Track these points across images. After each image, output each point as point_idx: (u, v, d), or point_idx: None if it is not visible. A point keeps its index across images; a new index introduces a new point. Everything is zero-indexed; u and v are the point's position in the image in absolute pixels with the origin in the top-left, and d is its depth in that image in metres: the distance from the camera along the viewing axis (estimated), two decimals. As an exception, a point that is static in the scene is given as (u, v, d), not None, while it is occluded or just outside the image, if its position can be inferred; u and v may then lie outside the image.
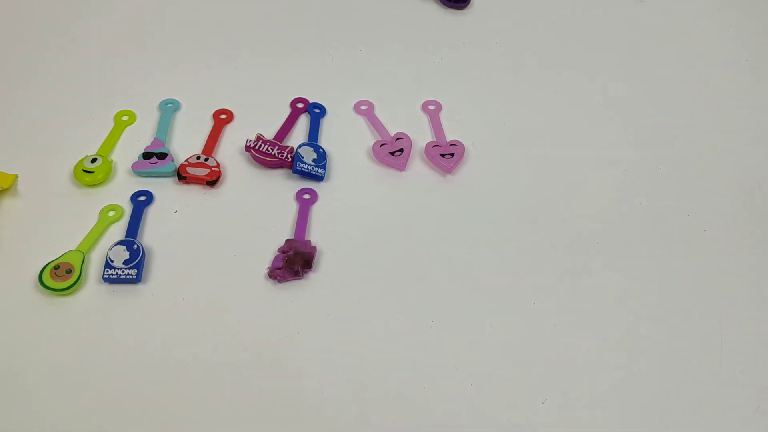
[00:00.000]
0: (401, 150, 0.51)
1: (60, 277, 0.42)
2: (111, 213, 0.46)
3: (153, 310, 0.42)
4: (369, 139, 0.53)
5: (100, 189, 0.48)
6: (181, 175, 0.48)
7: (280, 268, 0.43)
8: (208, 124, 0.53)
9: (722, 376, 0.41)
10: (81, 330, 0.41)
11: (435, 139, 0.53)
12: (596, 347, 0.42)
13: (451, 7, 0.65)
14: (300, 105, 0.55)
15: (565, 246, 0.47)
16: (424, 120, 0.55)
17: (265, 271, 0.44)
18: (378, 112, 0.55)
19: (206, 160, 0.50)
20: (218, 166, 0.49)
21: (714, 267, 0.47)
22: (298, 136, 0.53)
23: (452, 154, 0.51)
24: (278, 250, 0.45)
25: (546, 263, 0.46)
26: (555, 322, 0.43)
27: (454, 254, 0.46)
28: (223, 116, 0.54)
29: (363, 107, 0.55)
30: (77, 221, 0.46)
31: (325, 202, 0.49)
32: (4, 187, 0.46)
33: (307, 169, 0.49)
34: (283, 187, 0.49)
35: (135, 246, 0.44)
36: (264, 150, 0.50)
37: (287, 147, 0.50)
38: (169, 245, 0.45)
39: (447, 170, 0.51)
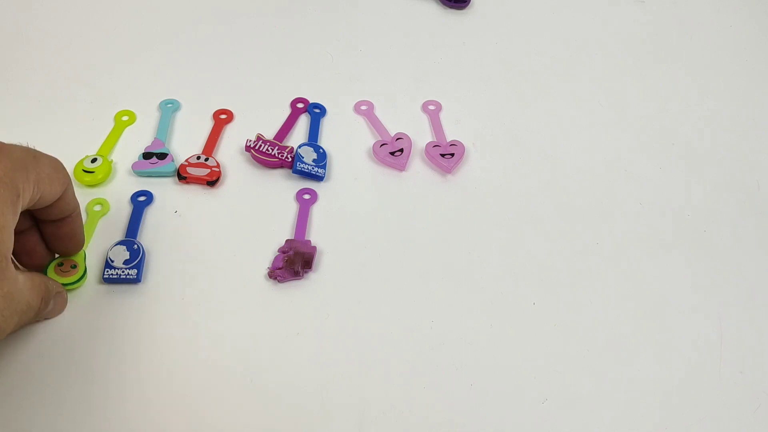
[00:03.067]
0: (401, 150, 0.51)
1: (66, 272, 0.42)
2: (97, 207, 0.46)
3: (153, 310, 0.42)
4: (369, 139, 0.53)
5: (100, 189, 0.48)
6: (181, 175, 0.48)
7: (280, 268, 0.43)
8: (208, 124, 0.53)
9: (722, 376, 0.41)
10: (81, 330, 0.41)
11: (435, 139, 0.53)
12: (596, 347, 0.42)
13: (451, 7, 0.65)
14: (300, 105, 0.55)
15: (565, 246, 0.47)
16: (424, 120, 0.55)
17: (265, 271, 0.44)
18: (378, 112, 0.55)
19: (206, 160, 0.50)
20: (218, 166, 0.49)
21: (714, 267, 0.47)
22: (298, 136, 0.53)
23: (452, 154, 0.51)
24: (278, 250, 0.45)
25: (546, 263, 0.46)
26: (555, 322, 0.43)
27: (454, 254, 0.46)
28: (223, 116, 0.54)
29: (363, 107, 0.55)
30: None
31: (325, 202, 0.49)
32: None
33: (307, 169, 0.49)
34: (283, 187, 0.49)
35: (135, 246, 0.44)
36: (264, 150, 0.50)
37: (287, 147, 0.50)
38: (170, 245, 0.45)
39: (447, 170, 0.51)
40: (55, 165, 0.37)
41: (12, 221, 0.34)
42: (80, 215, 0.41)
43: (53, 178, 0.37)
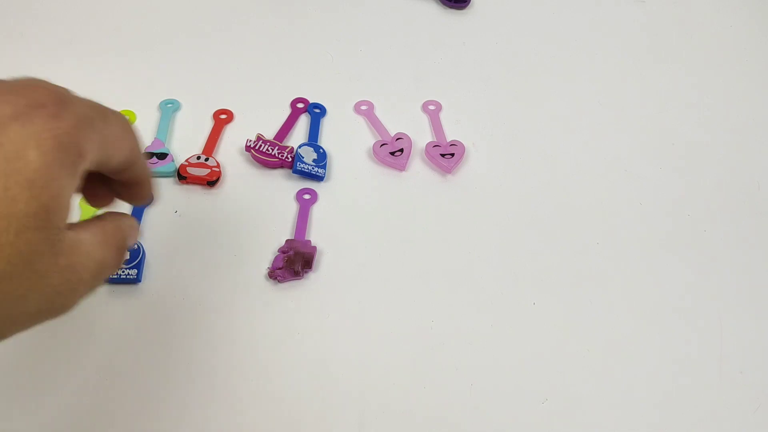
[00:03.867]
0: (401, 150, 0.51)
1: None
2: None
3: (153, 310, 0.42)
4: (369, 139, 0.53)
5: (100, 189, 0.48)
6: (181, 175, 0.48)
7: (280, 268, 0.43)
8: (208, 124, 0.53)
9: (722, 376, 0.41)
10: (80, 330, 0.41)
11: (435, 139, 0.53)
12: (596, 347, 0.42)
13: (451, 7, 0.65)
14: (300, 105, 0.55)
15: (565, 246, 0.47)
16: (424, 120, 0.55)
17: (265, 271, 0.44)
18: (378, 112, 0.55)
19: (206, 160, 0.50)
20: (218, 166, 0.49)
21: (714, 267, 0.47)
22: (298, 136, 0.53)
23: (452, 154, 0.51)
24: (278, 250, 0.45)
25: (546, 263, 0.46)
26: (555, 322, 0.43)
27: (454, 254, 0.46)
28: (223, 116, 0.54)
29: (363, 107, 0.55)
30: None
31: (325, 202, 0.49)
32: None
33: (308, 169, 0.49)
34: (283, 187, 0.49)
35: (135, 246, 0.44)
36: (264, 150, 0.50)
37: (287, 147, 0.50)
38: (170, 245, 0.45)
39: (447, 170, 0.51)
40: (124, 125, 0.32)
41: (70, 187, 0.29)
42: (150, 178, 0.35)
43: (122, 139, 0.32)
